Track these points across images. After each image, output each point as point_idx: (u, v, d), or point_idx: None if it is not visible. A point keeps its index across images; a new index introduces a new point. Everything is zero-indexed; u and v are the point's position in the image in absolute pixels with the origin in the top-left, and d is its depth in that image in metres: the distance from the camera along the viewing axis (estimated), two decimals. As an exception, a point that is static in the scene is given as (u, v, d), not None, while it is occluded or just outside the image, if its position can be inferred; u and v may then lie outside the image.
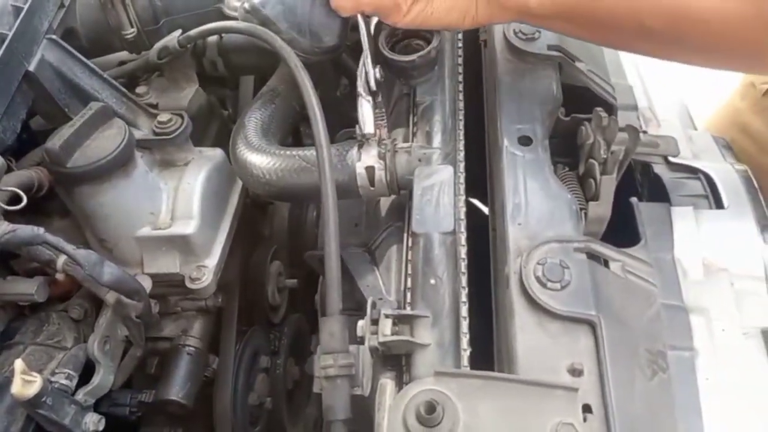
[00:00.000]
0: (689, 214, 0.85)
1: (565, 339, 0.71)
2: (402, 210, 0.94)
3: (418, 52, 1.00)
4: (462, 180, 0.90)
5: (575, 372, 0.69)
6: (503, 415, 0.64)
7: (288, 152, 0.96)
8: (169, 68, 1.13)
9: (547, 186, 0.86)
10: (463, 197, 0.88)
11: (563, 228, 0.81)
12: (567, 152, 0.99)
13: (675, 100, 1.13)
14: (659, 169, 0.96)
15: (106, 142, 0.90)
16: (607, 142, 0.87)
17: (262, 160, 0.95)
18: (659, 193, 0.93)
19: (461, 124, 0.98)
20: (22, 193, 0.83)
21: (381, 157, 0.92)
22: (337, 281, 0.78)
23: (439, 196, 0.87)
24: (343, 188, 0.93)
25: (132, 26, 1.09)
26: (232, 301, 1.15)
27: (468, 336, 0.75)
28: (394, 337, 0.75)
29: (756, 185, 0.92)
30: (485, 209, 1.03)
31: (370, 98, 0.93)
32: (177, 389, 1.00)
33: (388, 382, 0.75)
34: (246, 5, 0.98)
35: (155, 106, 1.11)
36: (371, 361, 0.79)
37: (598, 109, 0.91)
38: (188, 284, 0.98)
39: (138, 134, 1.00)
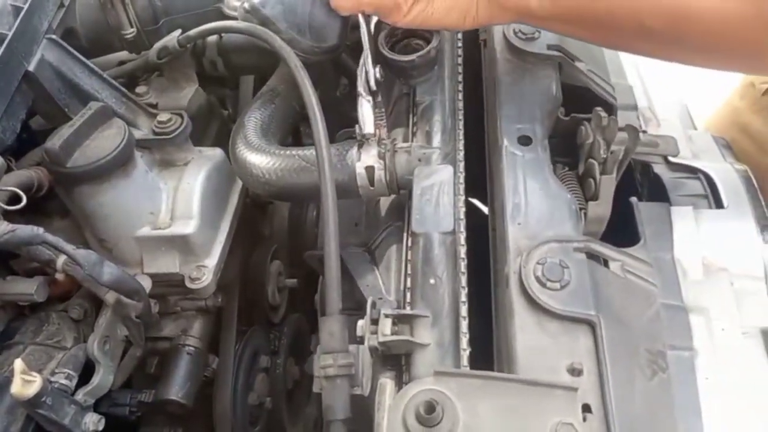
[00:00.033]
0: (689, 213, 0.85)
1: (564, 339, 0.71)
2: (402, 210, 0.94)
3: (418, 52, 1.00)
4: (462, 180, 0.90)
5: (575, 372, 0.69)
6: (503, 415, 0.64)
7: (288, 152, 0.96)
8: (169, 68, 1.13)
9: (546, 186, 0.86)
10: (462, 197, 0.88)
11: (563, 228, 0.81)
12: (567, 152, 0.99)
13: (675, 99, 1.13)
14: (659, 168, 0.96)
15: (106, 141, 0.90)
16: (607, 141, 0.87)
17: (261, 159, 0.95)
18: (659, 193, 0.93)
19: (461, 124, 0.98)
20: (21, 193, 0.83)
21: (381, 156, 0.92)
22: (337, 281, 0.78)
23: (438, 195, 0.87)
24: (343, 188, 0.93)
25: (132, 26, 1.09)
26: (232, 300, 1.15)
27: (467, 336, 0.75)
28: (394, 337, 0.75)
29: (756, 185, 0.92)
30: (485, 209, 1.03)
31: (370, 98, 0.93)
32: (177, 389, 1.00)
33: (387, 382, 0.75)
34: (246, 5, 0.98)
35: (155, 106, 1.11)
36: (371, 360, 0.79)
37: (598, 108, 0.91)
38: (188, 284, 0.98)
39: (138, 134, 1.00)
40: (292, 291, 1.31)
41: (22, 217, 0.84)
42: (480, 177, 1.00)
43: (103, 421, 0.87)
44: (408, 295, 0.82)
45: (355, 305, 0.89)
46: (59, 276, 0.85)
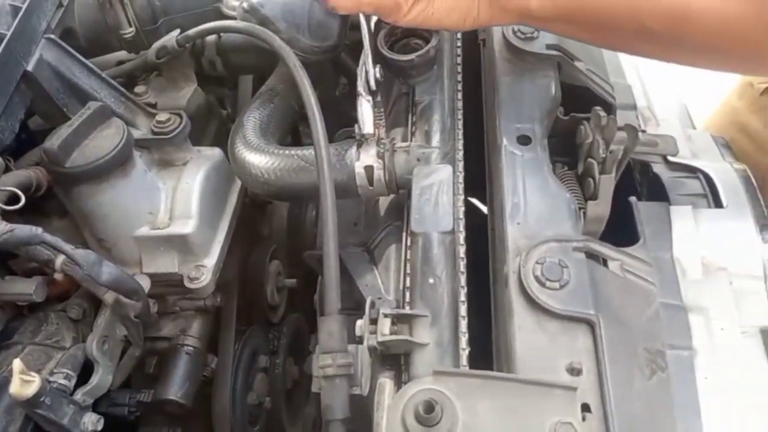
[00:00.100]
0: (688, 213, 0.85)
1: (563, 338, 0.71)
2: (401, 209, 0.94)
3: (417, 52, 1.00)
4: (461, 179, 0.90)
5: (574, 371, 0.69)
6: (502, 415, 0.64)
7: (287, 152, 0.96)
8: (168, 68, 1.13)
9: (545, 185, 0.86)
10: (462, 196, 0.88)
11: (562, 227, 0.81)
12: (566, 151, 0.99)
13: (674, 99, 1.13)
14: (658, 168, 0.96)
15: (105, 141, 0.90)
16: (606, 141, 0.87)
17: (260, 159, 0.95)
18: (658, 193, 0.93)
19: (460, 124, 0.98)
20: (20, 193, 0.83)
21: (380, 156, 0.92)
22: (336, 281, 0.78)
23: (437, 195, 0.87)
24: (342, 188, 0.93)
25: (130, 26, 1.09)
26: (231, 300, 1.15)
27: (467, 335, 0.75)
28: (393, 337, 0.75)
29: (755, 184, 0.92)
30: (484, 208, 1.03)
31: (369, 98, 0.93)
32: (176, 389, 1.00)
33: (386, 382, 0.75)
34: (245, 4, 0.98)
35: (154, 106, 1.11)
36: (370, 360, 0.79)
37: (597, 108, 0.91)
38: (187, 284, 0.97)
39: (136, 134, 1.00)
40: (291, 291, 1.31)
41: (21, 217, 0.84)
42: (479, 176, 1.00)
43: (102, 420, 0.87)
44: (407, 294, 0.82)
45: (354, 305, 0.89)
46: (58, 276, 0.85)
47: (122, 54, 1.18)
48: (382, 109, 0.94)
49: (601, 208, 0.84)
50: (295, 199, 1.26)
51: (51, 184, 0.91)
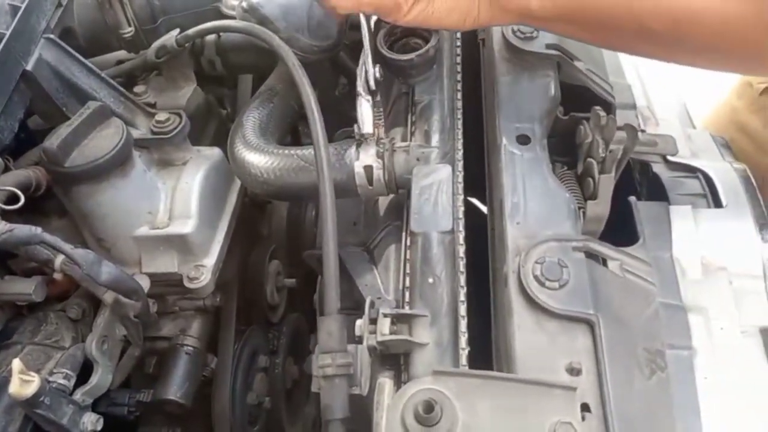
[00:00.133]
0: (688, 213, 0.85)
1: (563, 338, 0.71)
2: (400, 209, 0.94)
3: (417, 51, 1.00)
4: (460, 179, 0.90)
5: (573, 371, 0.69)
6: (502, 415, 0.64)
7: (286, 151, 0.96)
8: (167, 67, 1.13)
9: (545, 185, 0.86)
10: (461, 196, 0.88)
11: (562, 227, 0.81)
12: (565, 151, 0.99)
13: (674, 98, 1.13)
14: (658, 168, 0.96)
15: (104, 141, 0.90)
16: (606, 141, 0.87)
17: (260, 159, 0.95)
18: (658, 192, 0.93)
19: (460, 123, 0.98)
20: (19, 193, 0.83)
21: (379, 156, 0.92)
22: (336, 280, 0.78)
23: (437, 195, 0.87)
24: (342, 187, 0.93)
25: (130, 25, 1.09)
26: (231, 300, 1.15)
27: (466, 335, 0.75)
28: (393, 337, 0.75)
29: (754, 184, 0.92)
30: (484, 208, 1.03)
31: (369, 98, 0.93)
32: (175, 389, 1.00)
33: (386, 382, 0.75)
34: (244, 4, 0.98)
35: (153, 106, 1.11)
36: (369, 360, 0.79)
37: (597, 108, 0.91)
38: (186, 284, 0.97)
39: (136, 133, 1.00)
40: (290, 290, 1.31)
41: (20, 217, 0.84)
42: (479, 176, 1.00)
43: (101, 420, 0.87)
44: (407, 294, 0.82)
45: (353, 305, 0.89)
46: (57, 276, 0.85)
47: (121, 53, 1.18)
48: (381, 109, 0.94)
49: (600, 207, 0.84)
50: (295, 198, 1.26)
51: (50, 183, 0.91)
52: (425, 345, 0.76)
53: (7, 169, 0.89)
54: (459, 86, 1.02)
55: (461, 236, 0.84)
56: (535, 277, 0.74)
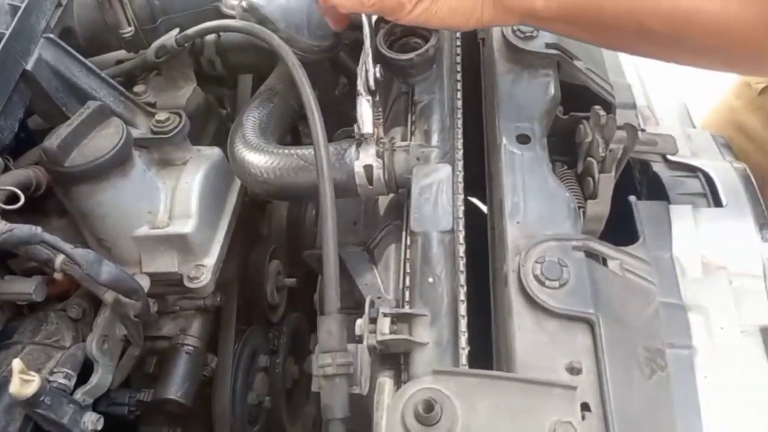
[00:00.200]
0: (688, 212, 0.85)
1: (563, 337, 0.71)
2: (400, 209, 0.94)
3: (417, 51, 0.99)
4: (460, 178, 0.90)
5: (573, 370, 0.69)
6: (502, 414, 0.64)
7: (286, 151, 0.96)
8: (167, 67, 1.13)
9: (545, 184, 0.86)
10: (461, 196, 0.88)
11: (562, 226, 0.81)
12: (565, 151, 0.99)
13: (674, 98, 1.13)
14: (658, 167, 0.96)
15: (104, 141, 0.90)
16: (606, 140, 0.87)
17: (260, 158, 0.95)
18: (658, 192, 0.93)
19: (459, 123, 0.98)
20: (19, 193, 0.83)
21: (379, 155, 0.92)
22: (336, 280, 0.78)
23: (437, 194, 0.87)
24: (342, 187, 0.93)
25: (129, 25, 1.09)
26: (231, 300, 1.15)
27: (466, 335, 0.75)
28: (393, 336, 0.75)
29: (754, 183, 0.92)
30: (484, 208, 1.03)
31: (369, 98, 0.93)
32: (175, 388, 1.00)
33: (386, 381, 0.75)
34: (244, 3, 0.98)
35: (153, 105, 1.11)
36: (369, 359, 0.79)
37: (597, 107, 0.91)
38: (187, 283, 0.97)
39: (136, 133, 1.00)
40: (291, 290, 1.31)
41: (20, 217, 0.84)
42: (479, 176, 1.00)
43: (101, 420, 0.87)
44: (407, 293, 0.82)
45: (354, 304, 0.89)
46: (57, 275, 0.85)
47: (121, 53, 1.18)
48: (380, 109, 0.94)
49: (600, 207, 0.84)
50: (295, 198, 1.26)
51: (50, 183, 0.91)
52: (425, 344, 0.76)
53: (7, 169, 0.89)
54: (459, 86, 1.02)
55: (461, 236, 0.84)
56: (535, 277, 0.74)
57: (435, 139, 0.96)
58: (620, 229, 0.85)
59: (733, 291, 0.79)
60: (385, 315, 0.76)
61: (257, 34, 0.97)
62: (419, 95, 1.02)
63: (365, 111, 0.92)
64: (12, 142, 0.90)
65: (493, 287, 0.89)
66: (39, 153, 0.90)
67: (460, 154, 0.93)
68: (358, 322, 0.76)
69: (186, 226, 0.97)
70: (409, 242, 0.86)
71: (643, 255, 0.80)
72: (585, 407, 0.66)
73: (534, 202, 0.84)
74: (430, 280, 0.81)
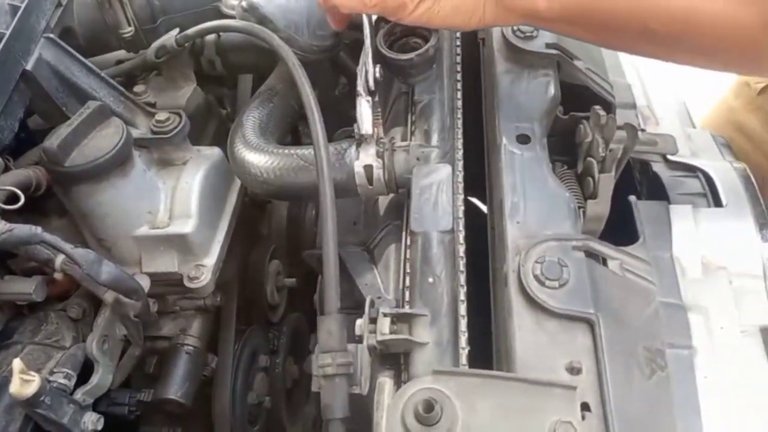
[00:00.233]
0: (688, 212, 0.85)
1: (563, 337, 0.71)
2: (400, 209, 0.94)
3: (417, 51, 0.99)
4: (460, 178, 0.90)
5: (573, 370, 0.69)
6: (502, 414, 0.64)
7: (286, 151, 0.96)
8: (167, 67, 1.13)
9: (545, 184, 0.86)
10: (461, 196, 0.88)
11: (561, 226, 0.81)
12: (565, 151, 0.99)
13: (673, 98, 1.13)
14: (658, 167, 0.96)
15: (104, 141, 0.90)
16: (606, 140, 0.87)
17: (260, 158, 0.95)
18: (658, 192, 0.93)
19: (459, 123, 0.98)
20: (19, 192, 0.83)
21: (379, 155, 0.92)
22: (336, 280, 0.78)
23: (437, 194, 0.87)
24: (342, 187, 0.93)
25: (129, 25, 1.09)
26: (231, 300, 1.15)
27: (466, 334, 0.75)
28: (393, 336, 0.75)
29: (754, 183, 0.92)
30: (484, 208, 1.03)
31: (369, 98, 0.93)
32: (176, 388, 1.00)
33: (386, 381, 0.75)
34: (244, 3, 0.98)
35: (153, 105, 1.11)
36: (369, 359, 0.79)
37: (597, 107, 0.91)
38: (187, 283, 0.97)
39: (136, 133, 1.00)
40: (291, 290, 1.31)
41: (20, 217, 0.84)
42: (479, 176, 1.00)
43: (102, 420, 0.87)
44: (407, 293, 0.82)
45: (354, 304, 0.89)
46: (58, 275, 0.85)
47: (121, 53, 1.18)
48: (378, 109, 0.94)
49: (600, 207, 0.84)
50: (295, 198, 1.26)
51: (50, 183, 0.91)
52: (425, 344, 0.76)
53: (7, 169, 0.89)
54: (459, 86, 1.02)
55: (461, 236, 0.84)
56: (535, 277, 0.74)
57: (435, 139, 0.96)
58: (620, 229, 0.85)
59: (733, 291, 0.79)
60: (385, 315, 0.76)
61: (257, 34, 0.97)
62: (419, 95, 1.02)
63: (364, 111, 0.92)
64: (12, 142, 0.90)
65: (493, 287, 0.89)
66: (39, 153, 0.90)
67: (460, 154, 0.93)
68: (358, 322, 0.77)
69: (186, 226, 0.97)
70: (409, 242, 0.86)
71: (643, 255, 0.80)
72: (585, 407, 0.66)
73: (534, 202, 0.84)
74: (430, 280, 0.81)
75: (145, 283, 0.95)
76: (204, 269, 0.98)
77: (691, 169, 0.95)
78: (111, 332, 0.93)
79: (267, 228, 1.33)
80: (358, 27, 0.97)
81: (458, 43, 1.08)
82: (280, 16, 0.99)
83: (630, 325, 0.73)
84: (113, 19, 1.08)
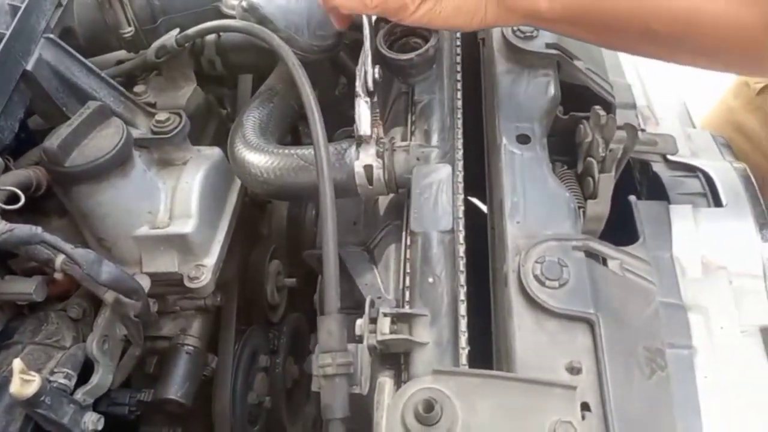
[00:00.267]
0: (688, 212, 0.85)
1: (563, 337, 0.71)
2: (400, 208, 0.94)
3: (417, 51, 0.99)
4: (460, 178, 0.90)
5: (573, 370, 0.69)
6: (502, 414, 0.64)
7: (286, 151, 0.96)
8: (167, 67, 1.13)
9: (545, 184, 0.86)
10: (461, 196, 0.88)
11: (561, 226, 0.81)
12: (565, 151, 0.99)
13: (674, 98, 1.13)
14: (658, 167, 0.96)
15: (104, 141, 0.90)
16: (606, 140, 0.87)
17: (260, 158, 0.95)
18: (658, 192, 0.93)
19: (460, 123, 0.98)
20: (20, 193, 0.83)
21: (379, 155, 0.92)
22: (336, 280, 0.78)
23: (437, 194, 0.87)
24: (342, 187, 0.93)
25: (130, 25, 1.09)
26: (231, 300, 1.15)
27: (466, 334, 0.75)
28: (393, 336, 0.75)
29: (754, 183, 0.92)
30: (484, 208, 1.03)
31: (368, 99, 0.93)
32: (176, 388, 1.00)
33: (386, 381, 0.75)
34: (244, 3, 0.98)
35: (153, 105, 1.11)
36: (370, 359, 0.79)
37: (597, 107, 0.91)
38: (187, 283, 0.97)
39: (136, 133, 1.00)
40: (291, 290, 1.31)
41: (21, 217, 0.84)
42: (479, 176, 1.00)
43: (102, 420, 0.87)
44: (407, 293, 0.82)
45: (354, 304, 0.89)
46: (58, 275, 0.85)
47: (121, 53, 1.18)
48: (377, 110, 0.94)
49: (600, 207, 0.84)
50: (295, 198, 1.26)
51: (50, 183, 0.91)
52: (425, 344, 0.76)
53: (7, 169, 0.89)
54: (459, 86, 1.02)
55: (461, 236, 0.84)
56: (535, 277, 0.74)
57: (435, 139, 0.96)
58: (620, 229, 0.85)
59: (733, 291, 0.79)
60: (385, 315, 0.76)
61: (257, 34, 0.97)
62: (419, 95, 1.02)
63: (363, 112, 0.92)
64: (12, 142, 0.90)
65: (493, 287, 0.89)
66: (39, 153, 0.90)
67: (460, 154, 0.93)
68: (358, 322, 0.77)
69: (186, 226, 0.97)
70: (409, 242, 0.86)
71: (643, 255, 0.80)
72: (585, 407, 0.66)
73: (534, 202, 0.84)
74: (430, 280, 0.81)
75: (145, 283, 0.95)
76: (204, 269, 0.99)
77: (691, 169, 0.95)
78: (111, 332, 0.93)
79: (267, 228, 1.33)
80: (358, 27, 0.97)
81: (458, 43, 1.08)
82: (280, 17, 0.99)
83: (630, 325, 0.73)
84: (113, 19, 1.08)
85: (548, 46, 1.01)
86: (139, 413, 1.01)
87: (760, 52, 0.81)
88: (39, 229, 0.81)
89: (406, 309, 0.80)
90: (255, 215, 1.30)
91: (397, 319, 0.76)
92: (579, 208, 0.86)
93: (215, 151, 1.07)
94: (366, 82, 0.92)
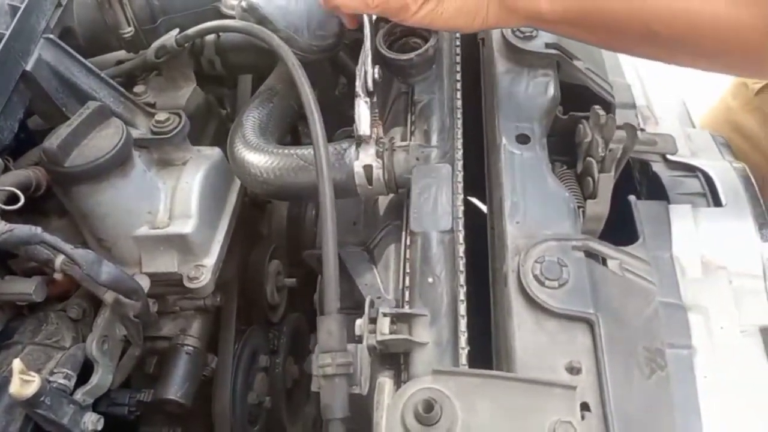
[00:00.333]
0: (687, 212, 0.85)
1: (563, 337, 0.71)
2: (400, 208, 0.94)
3: (416, 51, 1.00)
4: (460, 178, 0.90)
5: (573, 370, 0.69)
6: (501, 414, 0.64)
7: (286, 151, 0.96)
8: (167, 67, 1.13)
9: (545, 184, 0.86)
10: (461, 196, 0.88)
11: (561, 226, 0.81)
12: (565, 150, 0.99)
13: (673, 98, 1.13)
14: (657, 167, 0.96)
15: (104, 141, 0.90)
16: (605, 140, 0.87)
17: (259, 158, 0.95)
18: (657, 191, 0.93)
19: (459, 123, 0.98)
20: (19, 193, 0.83)
21: (379, 155, 0.92)
22: (335, 280, 0.78)
23: (437, 194, 0.87)
24: (341, 187, 0.93)
25: (129, 25, 1.09)
26: (231, 300, 1.15)
27: (466, 334, 0.75)
28: (393, 336, 0.75)
29: (754, 183, 0.92)
30: (484, 208, 1.03)
31: (367, 99, 0.93)
32: (176, 388, 1.00)
33: (386, 381, 0.75)
34: (243, 3, 0.98)
35: (153, 105, 1.11)
36: (369, 359, 0.79)
37: (596, 107, 0.91)
38: (186, 283, 0.97)
39: (136, 133, 1.00)
40: (291, 290, 1.31)
41: (20, 217, 0.84)
42: (478, 176, 1.00)
43: (102, 420, 0.87)
44: (406, 293, 0.82)
45: (354, 304, 0.89)
46: (57, 276, 0.85)
47: (121, 53, 1.18)
48: (376, 110, 0.94)
49: (600, 206, 0.84)
50: (295, 198, 1.26)
51: (50, 183, 0.91)
52: (425, 344, 0.76)
53: (7, 169, 0.89)
54: (458, 86, 1.02)
55: (461, 236, 0.84)
56: (535, 277, 0.74)
57: (435, 139, 0.96)
58: (620, 229, 0.85)
59: (733, 291, 0.79)
60: (385, 315, 0.76)
61: (257, 34, 0.97)
62: (419, 95, 1.02)
63: (363, 112, 0.92)
64: (12, 142, 0.90)
65: (492, 287, 0.89)
66: (39, 153, 0.90)
67: (459, 154, 0.93)
68: (358, 322, 0.77)
69: (186, 226, 0.97)
70: (408, 242, 0.86)
71: (643, 255, 0.80)
72: (585, 407, 0.66)
73: (533, 202, 0.84)
74: (430, 280, 0.81)
75: (145, 283, 0.95)
76: (204, 269, 0.99)
77: (690, 169, 0.95)
78: (111, 332, 0.93)
79: (267, 228, 1.33)
80: (358, 27, 0.97)
81: (458, 43, 1.08)
82: (280, 17, 0.99)
83: (630, 325, 0.73)
84: (113, 19, 1.08)
85: (548, 46, 1.01)
86: (138, 413, 1.01)
87: (761, 54, 0.81)
88: (39, 230, 0.81)
89: (406, 309, 0.80)
90: (255, 215, 1.30)
91: (397, 319, 0.76)
92: (579, 208, 0.86)
93: (215, 151, 1.07)
94: (366, 82, 0.92)
